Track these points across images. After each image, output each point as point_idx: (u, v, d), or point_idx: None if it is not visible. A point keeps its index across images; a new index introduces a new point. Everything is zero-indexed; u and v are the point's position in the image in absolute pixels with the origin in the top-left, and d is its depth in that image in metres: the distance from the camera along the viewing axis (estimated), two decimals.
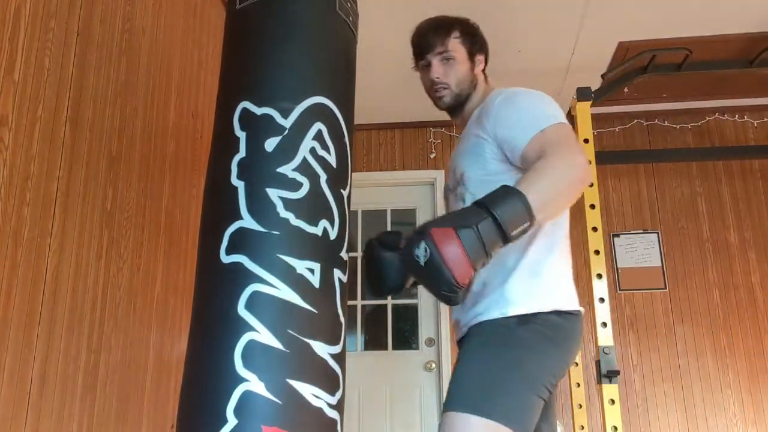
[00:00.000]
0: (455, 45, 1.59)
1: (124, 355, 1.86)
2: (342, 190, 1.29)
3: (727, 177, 4.01)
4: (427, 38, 1.60)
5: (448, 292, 1.12)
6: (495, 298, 1.41)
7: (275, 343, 1.10)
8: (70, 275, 1.60)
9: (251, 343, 1.10)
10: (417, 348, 3.96)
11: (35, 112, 1.48)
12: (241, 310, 1.11)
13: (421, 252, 1.12)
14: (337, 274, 1.24)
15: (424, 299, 4.01)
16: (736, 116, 4.10)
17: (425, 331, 3.97)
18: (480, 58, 1.63)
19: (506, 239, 1.14)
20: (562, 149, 1.31)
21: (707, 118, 4.08)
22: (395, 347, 4.02)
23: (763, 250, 3.87)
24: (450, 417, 1.31)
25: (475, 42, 1.62)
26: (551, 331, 1.37)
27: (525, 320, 1.36)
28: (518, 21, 3.06)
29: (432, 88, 1.62)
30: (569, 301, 1.43)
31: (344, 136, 1.32)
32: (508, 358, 1.34)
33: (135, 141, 1.97)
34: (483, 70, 1.65)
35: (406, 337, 4.06)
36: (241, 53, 1.31)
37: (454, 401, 1.33)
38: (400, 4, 2.90)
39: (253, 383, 1.08)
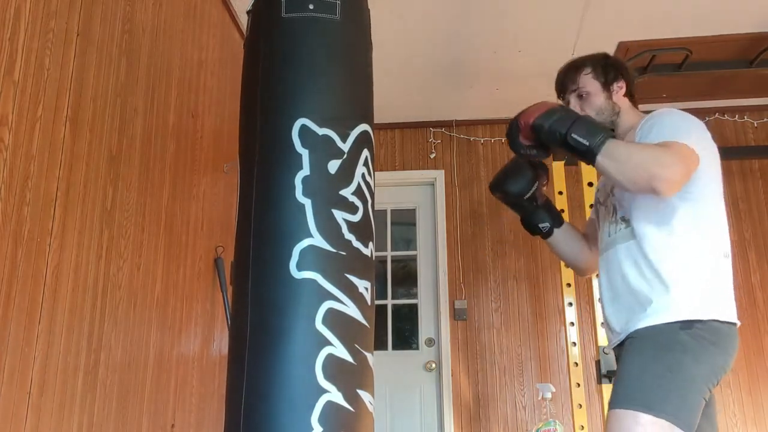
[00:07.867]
0: (586, 81, 1.71)
1: (124, 355, 1.86)
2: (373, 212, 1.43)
3: (727, 177, 3.94)
4: (561, 80, 1.76)
5: (508, 128, 1.57)
6: (655, 308, 1.48)
7: (347, 357, 1.24)
8: (70, 275, 1.60)
9: (329, 357, 1.21)
10: (417, 348, 3.96)
11: (35, 112, 1.48)
12: (319, 326, 1.22)
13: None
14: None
15: (424, 299, 4.01)
16: (736, 116, 4.09)
17: (425, 331, 3.97)
18: (619, 85, 1.71)
19: (564, 137, 1.46)
20: (670, 151, 1.41)
21: (707, 118, 4.07)
22: (395, 347, 4.02)
23: (763, 250, 3.86)
24: (618, 414, 1.38)
25: (608, 72, 1.71)
26: (712, 336, 1.44)
27: (687, 326, 1.44)
28: (518, 21, 3.06)
29: None
30: (727, 312, 1.49)
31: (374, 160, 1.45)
32: (673, 360, 1.41)
33: (135, 141, 1.97)
34: (627, 95, 1.72)
35: (406, 337, 4.07)
36: (296, 68, 1.35)
37: (621, 399, 1.40)
38: (401, 4, 2.90)
39: (333, 394, 1.20)
